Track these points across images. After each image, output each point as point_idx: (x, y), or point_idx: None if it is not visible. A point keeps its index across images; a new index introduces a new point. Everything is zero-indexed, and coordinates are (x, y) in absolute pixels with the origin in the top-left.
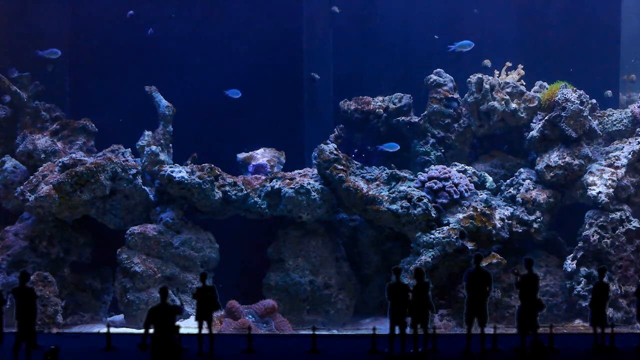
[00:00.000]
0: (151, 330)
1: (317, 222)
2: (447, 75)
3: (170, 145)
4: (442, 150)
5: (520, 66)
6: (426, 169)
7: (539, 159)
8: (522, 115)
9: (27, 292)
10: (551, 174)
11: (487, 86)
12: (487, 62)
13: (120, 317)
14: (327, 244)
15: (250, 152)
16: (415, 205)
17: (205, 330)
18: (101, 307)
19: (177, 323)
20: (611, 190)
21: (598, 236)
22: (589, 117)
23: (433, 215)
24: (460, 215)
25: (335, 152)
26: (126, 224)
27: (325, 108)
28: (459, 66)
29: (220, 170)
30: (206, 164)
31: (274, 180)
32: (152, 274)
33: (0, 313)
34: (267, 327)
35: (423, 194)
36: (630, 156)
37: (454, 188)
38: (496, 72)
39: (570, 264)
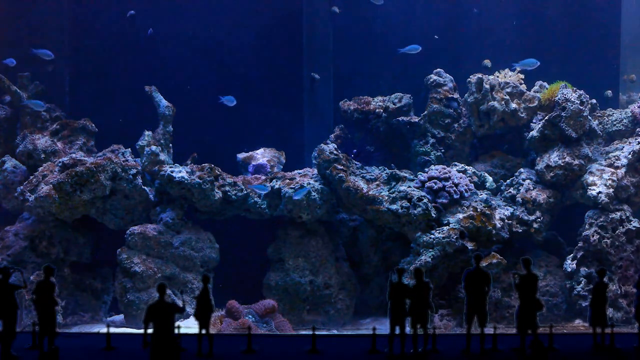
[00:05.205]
0: (151, 330)
1: (317, 222)
2: (447, 75)
3: (171, 145)
4: (442, 150)
5: (518, 69)
6: (426, 169)
7: (539, 159)
8: (522, 115)
9: (49, 286)
10: (551, 174)
11: (487, 86)
12: (487, 62)
13: (120, 317)
14: (327, 244)
15: (250, 152)
16: (415, 205)
17: (209, 330)
18: (101, 307)
19: (178, 323)
20: (611, 190)
21: (598, 236)
22: (589, 117)
23: (433, 215)
24: (460, 215)
25: (335, 152)
26: (126, 224)
27: (325, 108)
28: (459, 66)
29: (220, 170)
30: (206, 164)
31: (274, 180)
32: (152, 274)
33: (16, 310)
34: (267, 327)
35: (423, 194)
36: (630, 156)
37: (454, 188)
38: (496, 73)
39: (570, 264)
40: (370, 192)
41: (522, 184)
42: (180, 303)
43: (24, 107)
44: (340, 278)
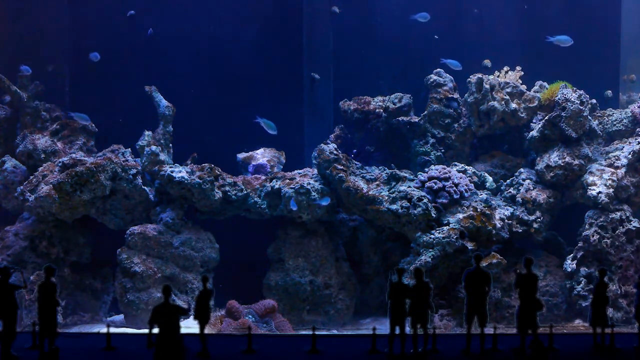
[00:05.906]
0: (156, 330)
1: (317, 222)
2: (447, 75)
3: (170, 145)
4: (442, 150)
5: (518, 68)
6: (426, 169)
7: (539, 159)
8: (522, 115)
9: (50, 287)
10: (551, 174)
11: (487, 86)
12: (487, 62)
13: (120, 317)
14: (327, 244)
15: (250, 152)
16: (415, 205)
17: (204, 331)
18: (101, 307)
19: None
20: (611, 190)
21: (598, 236)
22: (589, 117)
23: (433, 215)
24: (460, 215)
25: (335, 152)
26: (126, 224)
27: (325, 108)
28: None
29: (220, 170)
30: (206, 164)
31: (274, 180)
32: (152, 274)
33: (16, 310)
34: (267, 327)
35: (423, 194)
36: (630, 156)
37: (454, 188)
38: (496, 72)
39: (570, 264)
40: (370, 192)
41: (522, 184)
42: (182, 304)
43: (24, 107)
44: (340, 278)
